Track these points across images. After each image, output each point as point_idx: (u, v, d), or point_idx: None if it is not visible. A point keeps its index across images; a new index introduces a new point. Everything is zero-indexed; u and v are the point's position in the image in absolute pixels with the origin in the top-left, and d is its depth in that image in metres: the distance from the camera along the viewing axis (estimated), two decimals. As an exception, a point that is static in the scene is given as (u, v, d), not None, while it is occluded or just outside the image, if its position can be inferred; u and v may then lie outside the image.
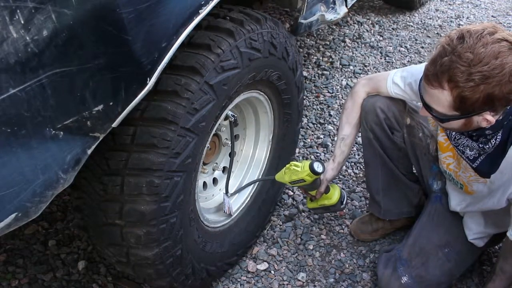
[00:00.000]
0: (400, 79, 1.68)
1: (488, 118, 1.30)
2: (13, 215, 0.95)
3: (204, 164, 1.72)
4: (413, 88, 1.64)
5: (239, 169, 1.90)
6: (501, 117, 1.34)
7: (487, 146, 1.42)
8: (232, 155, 1.78)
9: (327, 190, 1.80)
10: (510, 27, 3.89)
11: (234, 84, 1.42)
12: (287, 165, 1.72)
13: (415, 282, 1.68)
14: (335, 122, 2.69)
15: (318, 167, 1.64)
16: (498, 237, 1.75)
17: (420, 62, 3.25)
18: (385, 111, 1.73)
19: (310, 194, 1.82)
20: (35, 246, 1.91)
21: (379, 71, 3.17)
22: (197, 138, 1.33)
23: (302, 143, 2.53)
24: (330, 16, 2.21)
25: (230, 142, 1.77)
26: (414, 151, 1.82)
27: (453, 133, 1.52)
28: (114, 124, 1.08)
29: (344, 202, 1.87)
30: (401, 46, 3.48)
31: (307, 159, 2.43)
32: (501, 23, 3.93)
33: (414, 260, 1.70)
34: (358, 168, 2.39)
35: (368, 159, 1.88)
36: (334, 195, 1.83)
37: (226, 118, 1.65)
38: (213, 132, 1.52)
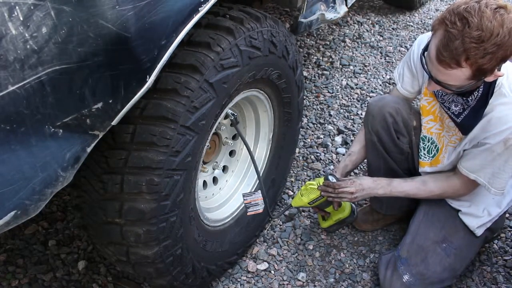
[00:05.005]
0: (398, 70, 1.81)
1: (498, 74, 1.38)
2: (12, 213, 0.94)
3: (204, 163, 1.72)
4: (412, 59, 1.75)
5: (239, 168, 1.90)
6: None
7: (470, 98, 1.51)
8: (249, 152, 1.71)
9: (339, 203, 1.85)
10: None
11: (234, 83, 1.42)
12: (302, 187, 1.80)
13: (417, 280, 1.68)
14: (335, 122, 2.68)
15: (333, 180, 1.72)
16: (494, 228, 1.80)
17: (420, 62, 3.25)
18: (394, 115, 1.77)
19: (326, 211, 1.88)
20: (35, 246, 1.91)
21: (379, 71, 3.16)
22: (197, 136, 1.33)
23: (302, 143, 2.53)
24: (330, 15, 2.21)
25: (230, 141, 1.77)
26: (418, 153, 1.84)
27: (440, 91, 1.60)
28: (114, 122, 1.08)
29: (355, 212, 1.93)
30: (401, 46, 3.48)
31: (307, 159, 2.43)
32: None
33: (414, 258, 1.71)
34: (359, 167, 2.38)
35: (371, 160, 1.90)
36: (346, 207, 1.90)
37: (226, 116, 1.65)
38: (213, 130, 1.52)
